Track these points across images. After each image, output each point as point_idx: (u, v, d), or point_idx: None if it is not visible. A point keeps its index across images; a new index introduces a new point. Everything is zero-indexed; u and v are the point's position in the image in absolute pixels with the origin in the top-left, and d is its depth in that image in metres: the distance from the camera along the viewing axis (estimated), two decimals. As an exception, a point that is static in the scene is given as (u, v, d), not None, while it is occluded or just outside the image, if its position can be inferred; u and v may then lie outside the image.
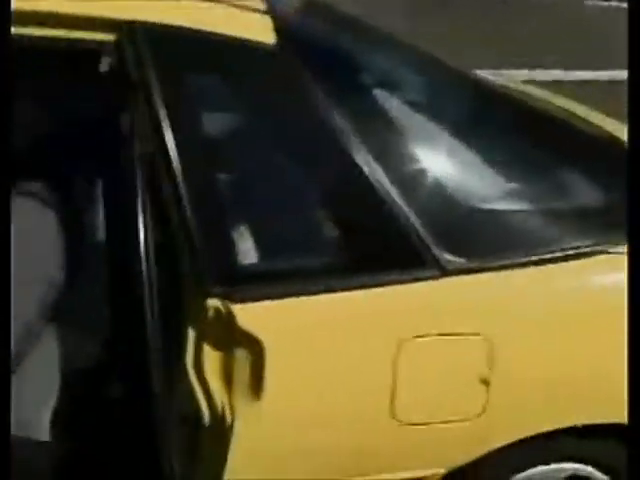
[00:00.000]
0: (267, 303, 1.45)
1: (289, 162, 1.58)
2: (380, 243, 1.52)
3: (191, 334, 1.46)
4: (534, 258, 1.54)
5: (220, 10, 1.53)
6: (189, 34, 1.48)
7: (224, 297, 1.44)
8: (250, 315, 1.44)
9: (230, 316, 1.43)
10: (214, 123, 1.62)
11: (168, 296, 1.49)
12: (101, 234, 1.73)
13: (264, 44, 1.51)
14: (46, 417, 1.65)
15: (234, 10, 1.53)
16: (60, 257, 1.59)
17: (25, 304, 1.53)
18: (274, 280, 1.48)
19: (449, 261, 1.50)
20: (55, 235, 1.58)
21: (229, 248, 1.49)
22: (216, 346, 1.46)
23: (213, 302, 1.44)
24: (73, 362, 1.68)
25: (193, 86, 1.51)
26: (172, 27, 1.47)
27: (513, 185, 1.66)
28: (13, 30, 1.37)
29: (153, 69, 1.45)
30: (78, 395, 1.69)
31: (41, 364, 1.64)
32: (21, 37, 1.42)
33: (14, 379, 1.51)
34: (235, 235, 1.51)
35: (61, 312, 1.65)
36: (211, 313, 1.44)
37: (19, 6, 1.38)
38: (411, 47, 1.93)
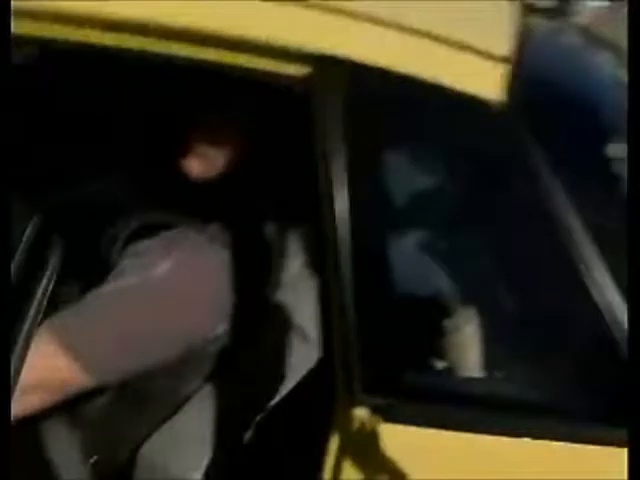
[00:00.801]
0: (421, 429, 1.17)
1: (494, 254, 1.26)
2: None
3: (334, 438, 1.24)
4: None
5: (441, 51, 1.23)
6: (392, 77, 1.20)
7: (374, 409, 1.19)
8: (398, 438, 1.19)
9: (375, 433, 1.18)
10: (404, 192, 1.33)
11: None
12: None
13: (484, 100, 1.19)
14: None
15: (456, 52, 1.22)
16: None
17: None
18: (435, 403, 1.20)
19: None
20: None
21: (389, 355, 1.23)
22: (357, 458, 1.25)
23: (360, 412, 1.22)
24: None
25: (386, 142, 1.23)
26: (373, 68, 1.20)
27: None
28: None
29: (339, 117, 1.19)
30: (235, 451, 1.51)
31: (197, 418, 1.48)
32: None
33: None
34: (400, 341, 1.23)
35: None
36: (357, 423, 1.20)
37: (217, 28, 1.21)
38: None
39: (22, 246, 1.24)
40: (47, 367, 1.31)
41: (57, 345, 1.31)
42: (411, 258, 1.44)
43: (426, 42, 1.23)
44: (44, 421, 1.53)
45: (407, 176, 1.39)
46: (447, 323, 1.44)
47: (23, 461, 1.53)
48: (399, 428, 1.20)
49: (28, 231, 1.25)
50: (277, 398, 1.47)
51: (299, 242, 1.47)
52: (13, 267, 1.19)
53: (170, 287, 1.38)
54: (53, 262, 1.32)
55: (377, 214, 1.27)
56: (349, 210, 1.21)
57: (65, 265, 1.61)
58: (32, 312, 1.23)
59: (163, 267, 1.37)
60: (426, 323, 1.37)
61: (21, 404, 1.27)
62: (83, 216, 1.62)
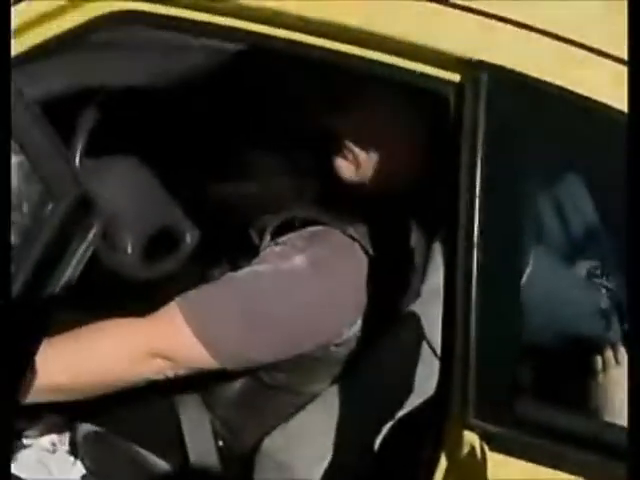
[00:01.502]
0: (527, 464, 1.10)
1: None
2: None
3: (443, 457, 1.20)
4: None
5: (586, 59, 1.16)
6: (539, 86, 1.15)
7: (483, 436, 1.12)
8: (505, 471, 1.12)
9: (482, 459, 1.13)
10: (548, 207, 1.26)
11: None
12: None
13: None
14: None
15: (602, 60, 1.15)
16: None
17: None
18: (546, 439, 1.12)
19: None
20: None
21: (506, 379, 1.15)
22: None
23: (470, 437, 1.16)
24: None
25: (527, 156, 1.17)
26: (519, 75, 1.14)
27: None
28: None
29: (485, 127, 1.14)
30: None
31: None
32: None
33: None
34: (522, 365, 1.16)
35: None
36: (466, 448, 1.14)
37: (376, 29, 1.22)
38: None
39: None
40: (171, 339, 1.35)
41: (183, 320, 1.34)
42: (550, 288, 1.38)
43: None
44: (181, 397, 1.59)
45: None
46: (590, 362, 1.36)
47: (157, 431, 1.60)
48: (506, 459, 1.13)
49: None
50: (402, 411, 1.43)
51: (442, 257, 1.42)
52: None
53: (300, 282, 1.38)
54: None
55: (514, 234, 1.21)
56: (484, 230, 1.16)
57: (222, 251, 1.67)
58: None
59: (298, 260, 1.38)
60: (561, 359, 1.30)
61: (139, 367, 1.31)
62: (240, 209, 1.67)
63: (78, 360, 1.32)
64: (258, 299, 1.39)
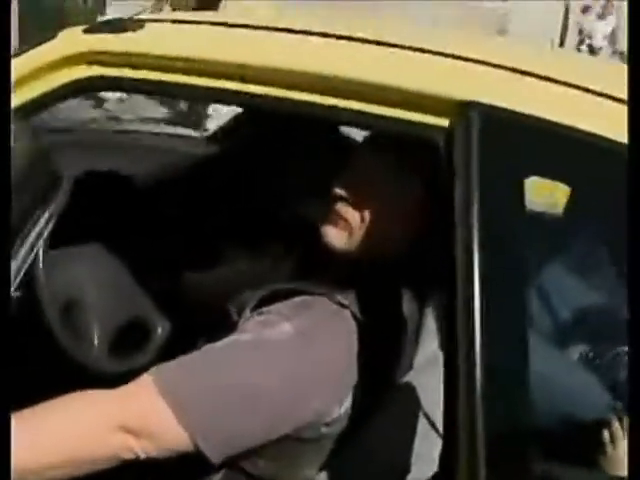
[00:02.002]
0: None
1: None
2: None
3: None
4: None
5: (575, 97, 1.12)
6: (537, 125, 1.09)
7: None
8: None
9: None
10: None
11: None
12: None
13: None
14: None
15: (594, 98, 1.10)
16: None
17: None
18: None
19: None
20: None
21: (515, 454, 1.06)
22: None
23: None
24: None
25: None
26: (515, 114, 1.09)
27: None
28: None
29: (479, 170, 1.08)
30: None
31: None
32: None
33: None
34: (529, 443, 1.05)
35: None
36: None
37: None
38: None
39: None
40: (142, 413, 1.21)
41: (157, 393, 1.21)
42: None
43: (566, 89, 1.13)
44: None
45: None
46: (598, 437, 1.26)
47: None
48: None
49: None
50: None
51: (437, 323, 1.33)
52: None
53: (285, 353, 1.26)
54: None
55: (519, 303, 1.12)
56: (484, 291, 1.08)
57: (198, 330, 1.57)
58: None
59: (283, 328, 1.27)
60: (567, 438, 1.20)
61: (104, 441, 1.18)
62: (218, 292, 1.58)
63: (43, 436, 1.18)
64: (239, 371, 1.26)
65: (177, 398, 1.22)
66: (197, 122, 5.28)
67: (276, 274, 1.51)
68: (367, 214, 1.35)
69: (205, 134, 3.01)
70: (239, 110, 2.49)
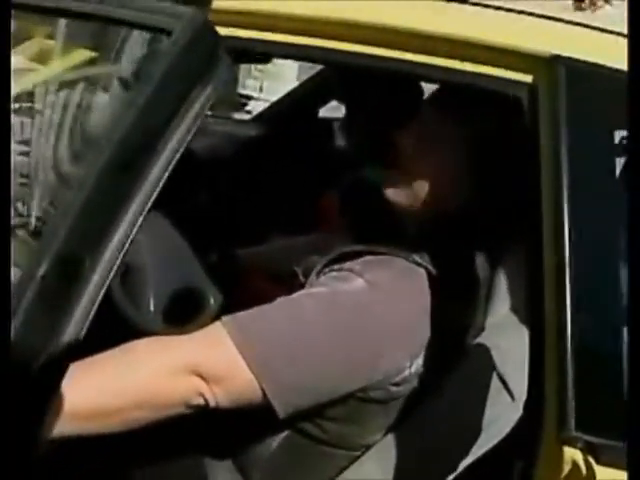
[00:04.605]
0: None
1: None
2: None
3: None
4: None
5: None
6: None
7: (588, 450, 0.99)
8: None
9: (589, 475, 0.99)
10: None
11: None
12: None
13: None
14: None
15: None
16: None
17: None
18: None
19: None
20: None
21: (612, 384, 1.04)
22: None
23: (571, 453, 1.03)
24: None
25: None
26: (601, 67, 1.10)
27: None
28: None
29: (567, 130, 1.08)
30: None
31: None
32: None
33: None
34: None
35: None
36: (567, 464, 1.01)
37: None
38: None
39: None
40: (213, 356, 1.21)
41: (228, 338, 1.21)
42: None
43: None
44: (210, 462, 1.43)
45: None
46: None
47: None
48: (613, 471, 1.00)
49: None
50: (470, 458, 1.28)
51: (510, 284, 1.32)
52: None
53: (359, 306, 1.25)
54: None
55: (610, 244, 1.12)
56: (576, 236, 1.08)
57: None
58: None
59: (356, 284, 1.26)
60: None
61: (175, 384, 1.18)
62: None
63: (113, 378, 1.17)
64: (311, 323, 1.25)
65: (248, 346, 1.22)
66: (241, 105, 5.27)
67: (340, 242, 1.50)
68: (431, 169, 1.34)
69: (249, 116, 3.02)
70: (282, 94, 2.50)
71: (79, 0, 1.11)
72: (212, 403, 1.21)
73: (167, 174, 1.07)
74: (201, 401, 1.20)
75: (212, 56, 1.07)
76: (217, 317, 1.70)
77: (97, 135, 1.13)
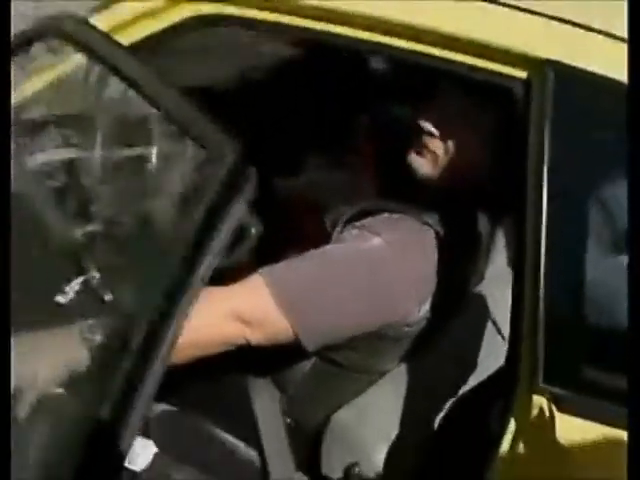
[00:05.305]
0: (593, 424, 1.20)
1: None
2: None
3: (513, 421, 1.31)
4: None
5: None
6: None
7: (553, 399, 1.23)
8: (570, 428, 1.24)
9: (550, 420, 1.24)
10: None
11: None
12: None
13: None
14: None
15: None
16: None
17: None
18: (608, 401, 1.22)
19: None
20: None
21: (573, 352, 1.25)
22: (530, 441, 1.30)
23: (539, 400, 1.26)
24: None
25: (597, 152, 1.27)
26: (585, 73, 1.26)
27: None
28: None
29: (551, 122, 1.26)
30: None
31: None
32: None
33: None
34: (587, 333, 1.26)
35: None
36: (534, 411, 1.25)
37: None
38: None
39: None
40: (252, 304, 1.45)
41: (265, 287, 1.45)
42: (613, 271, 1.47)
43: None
44: (252, 377, 1.69)
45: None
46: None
47: (229, 410, 1.70)
48: (573, 420, 1.24)
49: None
50: (468, 386, 1.53)
51: (506, 241, 1.53)
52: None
53: (377, 261, 1.48)
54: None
55: (580, 225, 1.32)
56: (550, 211, 1.28)
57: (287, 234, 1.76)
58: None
59: (375, 241, 1.49)
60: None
61: (221, 328, 1.43)
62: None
63: None
64: (338, 274, 1.49)
65: (283, 294, 1.46)
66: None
67: (361, 188, 1.71)
68: (451, 147, 1.53)
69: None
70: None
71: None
72: (252, 342, 1.47)
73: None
74: (243, 341, 1.46)
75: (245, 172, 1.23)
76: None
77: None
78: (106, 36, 1.30)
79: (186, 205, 1.17)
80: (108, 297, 1.42)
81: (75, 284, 1.47)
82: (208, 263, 1.12)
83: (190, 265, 1.11)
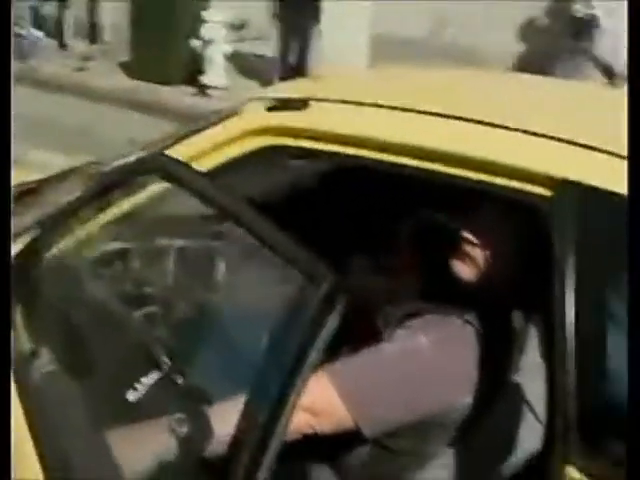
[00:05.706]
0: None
1: None
2: None
3: None
4: None
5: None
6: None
7: (587, 473, 1.41)
8: None
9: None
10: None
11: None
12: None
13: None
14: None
15: None
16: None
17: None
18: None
19: None
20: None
21: (605, 423, 1.46)
22: None
23: (573, 474, 1.43)
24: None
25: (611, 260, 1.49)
26: (605, 192, 1.49)
27: None
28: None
29: (574, 239, 1.50)
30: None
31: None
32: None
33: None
34: (615, 411, 1.46)
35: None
36: (568, 480, 1.43)
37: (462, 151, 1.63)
38: None
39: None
40: (318, 397, 1.66)
41: (329, 383, 1.68)
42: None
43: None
44: (314, 465, 1.88)
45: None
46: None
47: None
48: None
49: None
50: (508, 466, 1.71)
51: (538, 336, 1.73)
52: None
53: (425, 359, 1.71)
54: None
55: (600, 320, 1.54)
56: (575, 313, 1.51)
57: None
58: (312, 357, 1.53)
59: (422, 340, 1.71)
60: None
61: (297, 420, 1.59)
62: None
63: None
64: (391, 369, 1.72)
65: (345, 390, 1.69)
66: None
67: (404, 289, 1.93)
68: (488, 254, 1.77)
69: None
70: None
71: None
72: (318, 430, 1.68)
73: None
74: (310, 430, 1.68)
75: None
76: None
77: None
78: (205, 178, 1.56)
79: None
80: (180, 380, 1.67)
81: (147, 379, 1.70)
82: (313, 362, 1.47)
83: (299, 362, 1.37)
